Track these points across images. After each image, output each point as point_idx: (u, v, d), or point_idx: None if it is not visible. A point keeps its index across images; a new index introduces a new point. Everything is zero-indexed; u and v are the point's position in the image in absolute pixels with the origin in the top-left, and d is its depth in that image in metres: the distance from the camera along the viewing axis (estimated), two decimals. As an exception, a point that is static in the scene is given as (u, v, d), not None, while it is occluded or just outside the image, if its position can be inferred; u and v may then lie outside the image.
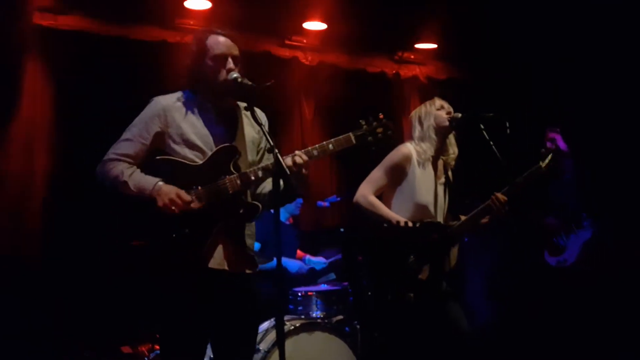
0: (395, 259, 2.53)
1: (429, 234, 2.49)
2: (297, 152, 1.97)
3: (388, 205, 2.67)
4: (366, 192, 2.62)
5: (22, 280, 3.60)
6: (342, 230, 3.76)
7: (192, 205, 1.90)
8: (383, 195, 2.71)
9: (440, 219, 2.67)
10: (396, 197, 2.67)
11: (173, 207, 1.87)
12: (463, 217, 2.64)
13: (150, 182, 1.92)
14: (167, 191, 1.89)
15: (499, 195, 2.51)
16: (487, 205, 2.54)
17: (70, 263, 3.71)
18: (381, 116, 2.13)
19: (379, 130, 2.11)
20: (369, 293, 2.68)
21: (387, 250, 2.55)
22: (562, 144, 3.82)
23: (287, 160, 1.93)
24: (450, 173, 2.75)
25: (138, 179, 1.94)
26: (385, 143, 2.15)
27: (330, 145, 2.04)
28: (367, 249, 2.66)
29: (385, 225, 2.49)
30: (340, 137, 2.07)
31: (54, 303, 3.62)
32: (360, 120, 2.12)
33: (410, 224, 2.44)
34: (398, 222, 2.47)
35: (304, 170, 1.96)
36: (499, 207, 2.50)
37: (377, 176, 2.65)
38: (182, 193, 1.89)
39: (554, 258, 3.92)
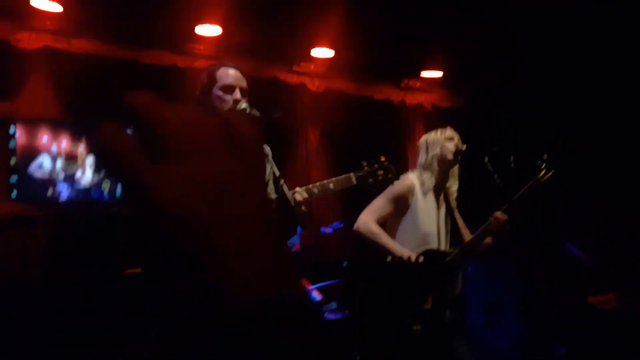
0: (399, 289, 2.52)
1: (431, 265, 2.48)
2: (297, 189, 1.99)
3: (393, 234, 2.67)
4: (368, 220, 2.62)
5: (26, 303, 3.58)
6: (345, 264, 3.77)
7: None
8: (387, 224, 2.71)
9: (443, 247, 2.67)
10: (401, 226, 2.67)
11: None
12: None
13: None
14: None
15: (498, 213, 2.51)
16: (488, 225, 2.53)
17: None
18: (383, 159, 2.16)
19: (380, 172, 2.14)
20: (373, 326, 2.66)
21: (391, 281, 2.55)
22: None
23: (288, 196, 1.95)
24: (452, 201, 2.75)
25: None
26: (385, 185, 2.17)
27: (331, 185, 2.06)
28: (370, 280, 2.65)
29: (389, 257, 2.49)
30: (341, 177, 2.09)
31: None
32: (363, 162, 2.14)
33: (412, 257, 2.44)
34: (396, 254, 2.47)
35: (303, 208, 1.97)
36: (500, 226, 2.49)
37: (379, 205, 2.66)
38: None
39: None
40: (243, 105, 2.03)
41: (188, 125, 0.35)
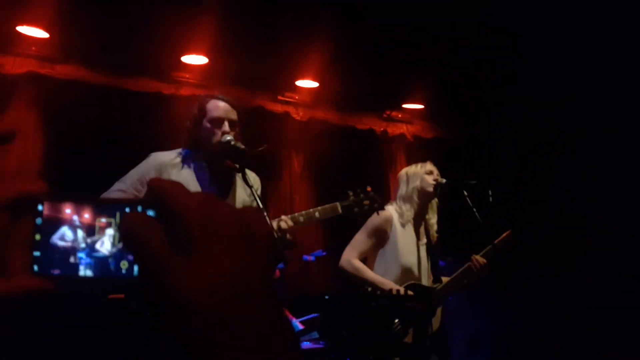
0: (380, 323, 2.53)
1: (414, 300, 2.50)
2: (283, 217, 2.02)
3: (371, 266, 2.69)
4: (350, 257, 2.65)
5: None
6: (327, 297, 3.77)
7: None
8: (367, 257, 2.73)
9: (424, 279, 2.69)
10: (379, 258, 2.70)
11: None
12: (445, 279, 2.67)
13: None
14: None
15: (478, 257, 2.56)
16: (468, 267, 2.58)
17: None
18: (369, 189, 2.20)
19: (366, 202, 2.18)
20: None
21: (372, 315, 2.56)
22: None
23: (272, 224, 1.97)
24: (432, 234, 2.80)
25: None
26: (370, 214, 2.21)
27: (317, 213, 2.09)
28: (352, 314, 2.66)
29: (370, 290, 2.51)
30: (327, 206, 2.13)
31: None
32: (348, 191, 2.18)
33: (395, 290, 2.47)
34: (383, 287, 2.50)
35: (288, 236, 1.99)
36: (479, 269, 2.54)
37: (360, 240, 2.69)
38: None
39: None
40: (228, 137, 2.06)
41: (211, 219, 0.37)
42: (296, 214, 2.06)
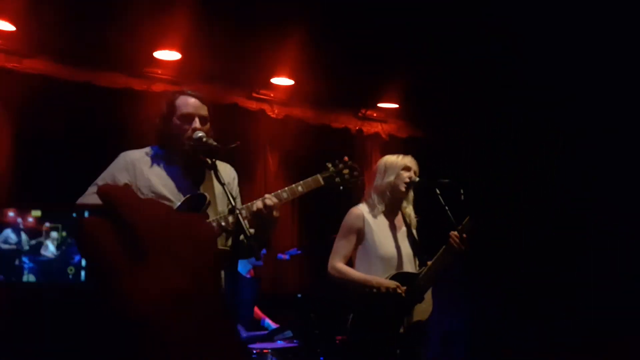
0: (374, 317, 2.53)
1: (400, 290, 2.51)
2: (266, 195, 2.00)
3: (352, 264, 2.69)
4: (334, 263, 2.65)
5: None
6: (299, 296, 3.76)
7: None
8: (351, 258, 2.73)
9: (409, 267, 2.68)
10: (360, 255, 2.70)
11: None
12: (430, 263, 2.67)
13: None
14: None
15: (454, 233, 2.57)
16: (448, 245, 2.58)
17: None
18: (346, 158, 2.20)
19: (346, 171, 2.18)
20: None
21: (366, 310, 2.56)
22: None
23: (258, 203, 1.96)
24: (411, 221, 2.78)
25: None
26: (352, 184, 2.20)
27: (300, 187, 2.07)
28: (348, 309, 2.65)
29: (359, 288, 2.51)
30: (309, 179, 2.11)
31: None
32: (327, 163, 2.18)
33: (391, 285, 2.47)
34: (370, 284, 2.51)
35: (274, 213, 1.98)
36: (459, 243, 2.55)
37: (339, 245, 2.69)
38: None
39: None
40: (199, 134, 2.02)
41: (162, 226, 0.36)
42: (279, 191, 2.04)
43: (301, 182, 2.09)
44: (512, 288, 4.56)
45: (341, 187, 2.16)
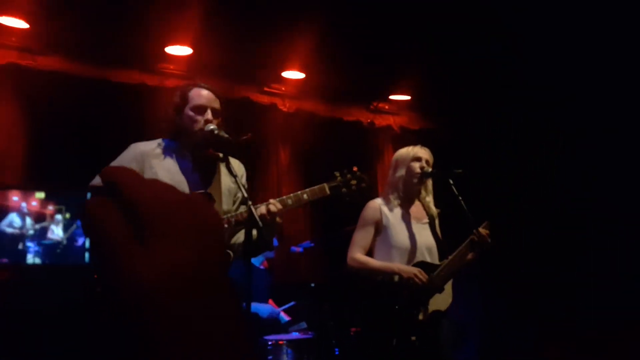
0: (392, 305, 2.54)
1: (422, 276, 2.51)
2: (271, 200, 2.00)
3: (371, 254, 2.70)
4: (353, 254, 2.66)
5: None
6: (312, 285, 3.76)
7: None
8: (371, 250, 2.74)
9: (429, 258, 2.67)
10: (377, 246, 2.71)
11: None
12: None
13: None
14: None
15: (480, 229, 2.55)
16: (471, 240, 2.56)
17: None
18: (355, 169, 2.19)
19: (353, 182, 2.17)
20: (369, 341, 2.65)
21: (384, 298, 2.57)
22: None
23: (262, 209, 1.95)
24: (432, 212, 2.77)
25: None
26: (358, 195, 2.19)
27: (305, 195, 2.08)
28: (364, 297, 2.66)
29: (379, 278, 2.52)
30: (315, 187, 2.11)
31: None
32: (335, 172, 2.17)
33: (416, 272, 2.48)
34: (391, 271, 2.52)
35: (277, 219, 1.98)
36: (483, 239, 2.53)
37: (358, 237, 2.70)
38: None
39: None
40: (211, 126, 2.03)
41: (165, 208, 0.37)
42: (284, 197, 2.04)
43: (307, 189, 2.09)
44: (512, 288, 4.53)
45: (347, 199, 2.15)
